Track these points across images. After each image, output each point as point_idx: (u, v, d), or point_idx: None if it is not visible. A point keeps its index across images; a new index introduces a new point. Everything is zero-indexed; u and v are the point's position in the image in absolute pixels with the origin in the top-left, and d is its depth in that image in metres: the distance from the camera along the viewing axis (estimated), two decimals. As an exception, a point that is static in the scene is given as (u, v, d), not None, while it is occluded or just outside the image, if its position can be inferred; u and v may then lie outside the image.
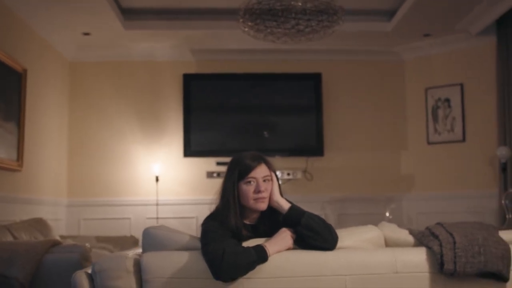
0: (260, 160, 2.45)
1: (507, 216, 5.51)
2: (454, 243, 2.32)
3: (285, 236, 2.34)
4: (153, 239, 2.46)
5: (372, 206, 7.05)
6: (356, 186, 7.16)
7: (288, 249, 2.33)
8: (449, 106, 6.92)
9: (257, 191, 2.40)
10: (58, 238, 5.14)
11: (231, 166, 2.48)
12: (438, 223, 2.53)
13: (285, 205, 2.42)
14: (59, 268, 3.44)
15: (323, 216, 7.06)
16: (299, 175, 7.07)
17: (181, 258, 2.32)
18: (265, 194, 2.41)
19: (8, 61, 5.28)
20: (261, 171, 2.42)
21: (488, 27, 6.32)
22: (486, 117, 6.61)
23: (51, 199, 6.46)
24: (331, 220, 7.03)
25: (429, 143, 7.08)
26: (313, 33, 4.53)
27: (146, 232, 2.49)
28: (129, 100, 7.16)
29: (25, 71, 5.62)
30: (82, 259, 3.43)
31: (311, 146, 7.17)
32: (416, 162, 7.19)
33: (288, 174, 7.01)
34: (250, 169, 2.41)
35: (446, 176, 6.91)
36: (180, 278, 2.28)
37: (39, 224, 5.02)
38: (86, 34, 6.55)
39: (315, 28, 4.47)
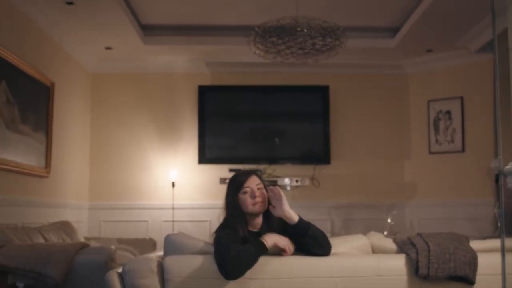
0: (250, 173, 2.95)
1: (498, 224, 5.87)
2: (429, 251, 2.73)
3: (284, 237, 2.77)
4: (173, 245, 2.87)
5: (376, 212, 7.41)
6: (361, 193, 7.53)
7: (286, 252, 2.74)
8: (450, 118, 7.29)
9: (253, 196, 2.85)
10: (83, 239, 5.60)
11: (229, 184, 2.97)
12: (418, 234, 2.93)
13: (294, 217, 2.82)
14: (88, 268, 3.87)
15: (329, 222, 7.45)
16: (307, 182, 7.46)
17: (196, 261, 2.73)
18: (260, 199, 2.86)
19: (38, 76, 5.75)
20: (253, 181, 2.89)
21: (487, 45, 6.66)
22: (484, 129, 6.95)
23: (74, 202, 6.91)
24: (337, 225, 7.43)
25: (430, 153, 7.46)
26: (318, 54, 4.95)
27: (167, 239, 2.89)
28: (147, 110, 7.60)
29: (52, 84, 6.08)
30: (108, 260, 3.85)
31: (319, 154, 7.57)
32: (418, 171, 7.56)
33: (297, 181, 7.40)
34: (244, 181, 2.88)
35: (446, 184, 7.28)
36: (195, 278, 2.69)
37: (66, 227, 5.49)
38: (108, 48, 7.00)
39: (320, 50, 4.88)
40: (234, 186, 2.91)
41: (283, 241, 2.75)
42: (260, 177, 2.95)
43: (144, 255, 3.59)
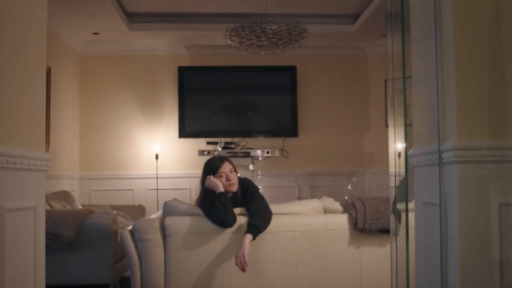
0: (223, 159, 3.69)
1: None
2: (365, 211, 3.60)
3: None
4: (170, 208, 3.69)
5: (339, 179, 8.31)
6: (326, 162, 8.39)
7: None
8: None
9: (228, 179, 3.63)
10: (80, 207, 6.38)
11: (205, 166, 3.69)
12: (359, 198, 3.81)
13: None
14: (95, 229, 4.65)
15: (297, 188, 8.37)
16: (277, 153, 8.28)
17: (188, 221, 3.57)
18: (234, 181, 3.64)
19: (37, 62, 6.44)
20: (226, 166, 3.65)
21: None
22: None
23: (68, 173, 7.67)
24: (303, 191, 8.32)
25: (387, 126, 8.30)
26: (284, 46, 5.75)
27: (166, 204, 3.72)
28: (132, 89, 8.33)
29: (49, 69, 6.79)
30: (112, 223, 4.66)
31: (288, 128, 8.40)
32: (376, 142, 8.42)
33: (268, 152, 8.21)
34: (219, 166, 3.63)
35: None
36: (188, 233, 3.53)
37: (65, 195, 6.25)
38: (96, 33, 7.67)
39: (286, 42, 5.68)
40: (210, 169, 3.63)
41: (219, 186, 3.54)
42: (230, 162, 3.68)
43: (147, 217, 4.38)
